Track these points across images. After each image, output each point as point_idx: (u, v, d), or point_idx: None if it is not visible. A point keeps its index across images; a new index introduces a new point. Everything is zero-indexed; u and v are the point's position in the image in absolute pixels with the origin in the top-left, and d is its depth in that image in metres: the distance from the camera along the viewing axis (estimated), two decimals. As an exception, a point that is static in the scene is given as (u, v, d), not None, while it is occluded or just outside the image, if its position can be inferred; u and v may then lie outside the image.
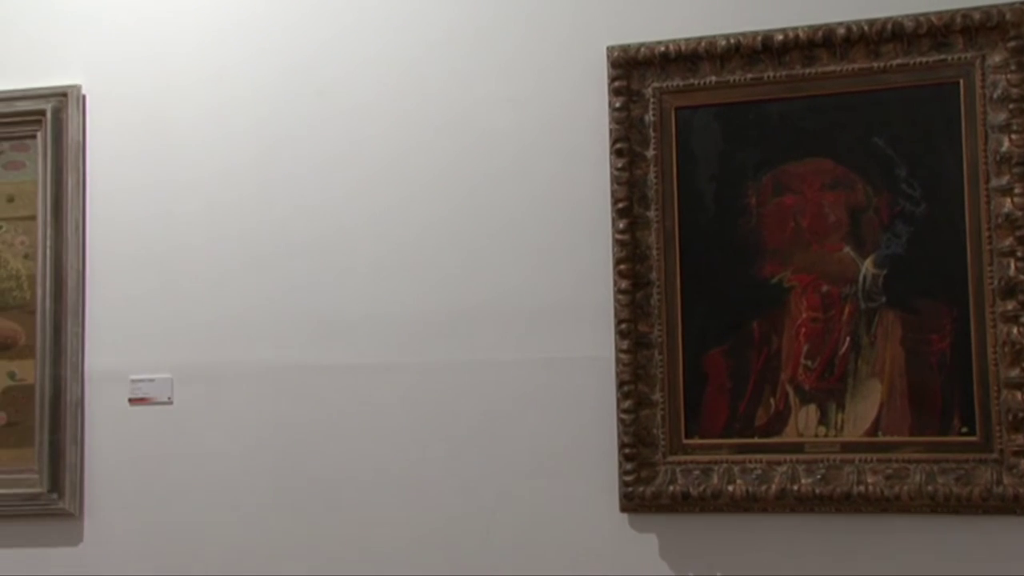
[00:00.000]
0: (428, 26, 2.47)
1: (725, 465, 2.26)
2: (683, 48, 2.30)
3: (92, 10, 2.64)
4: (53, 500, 2.54)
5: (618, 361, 2.31)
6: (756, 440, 2.25)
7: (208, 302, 2.53)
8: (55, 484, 2.55)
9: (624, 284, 2.31)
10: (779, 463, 2.23)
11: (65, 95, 2.60)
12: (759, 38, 2.26)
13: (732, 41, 2.28)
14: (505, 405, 2.39)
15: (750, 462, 2.25)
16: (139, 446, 2.55)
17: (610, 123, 2.34)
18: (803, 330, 2.25)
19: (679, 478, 2.27)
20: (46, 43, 2.66)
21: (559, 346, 2.37)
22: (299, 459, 2.47)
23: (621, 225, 2.32)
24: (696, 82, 2.31)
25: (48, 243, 2.60)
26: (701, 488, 2.25)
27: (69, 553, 2.56)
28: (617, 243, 2.32)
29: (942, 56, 2.20)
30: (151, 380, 2.56)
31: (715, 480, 2.25)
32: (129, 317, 2.57)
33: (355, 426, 2.45)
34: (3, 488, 2.58)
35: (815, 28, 2.24)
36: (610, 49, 2.35)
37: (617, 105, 2.33)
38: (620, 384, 2.30)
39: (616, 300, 2.32)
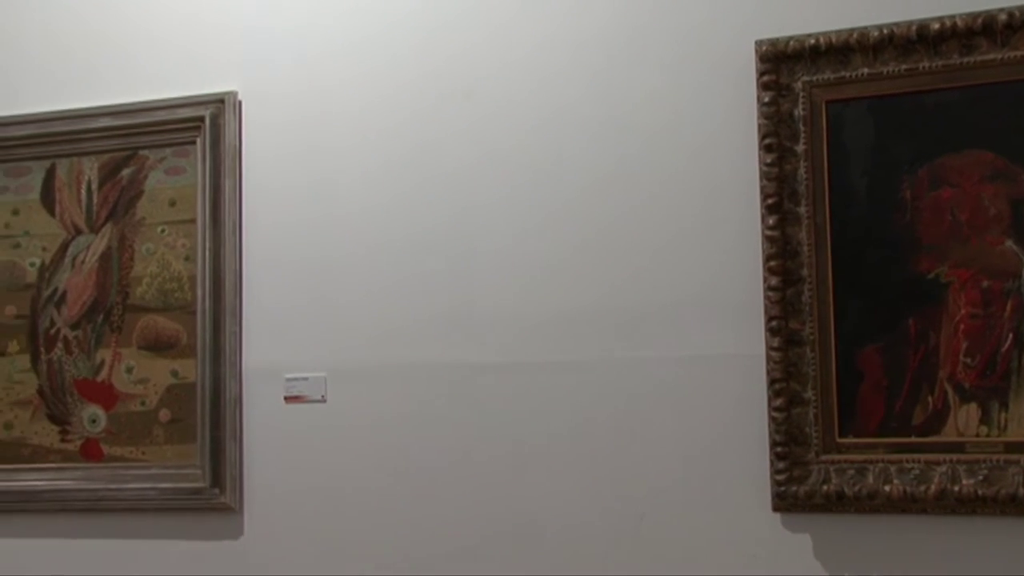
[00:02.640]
0: (575, 25, 2.47)
1: (881, 465, 2.21)
2: (834, 40, 2.26)
3: (246, 20, 2.71)
4: (215, 495, 2.62)
5: (769, 359, 2.28)
6: (913, 439, 2.20)
7: (361, 302, 2.58)
8: (216, 479, 2.62)
9: (774, 281, 2.28)
10: (938, 463, 2.17)
11: (222, 101, 2.67)
12: (914, 28, 2.20)
13: (885, 32, 2.22)
14: (655, 403, 2.38)
15: (907, 462, 2.19)
16: (294, 443, 2.61)
17: (759, 118, 2.31)
18: (962, 326, 2.19)
19: (833, 477, 2.23)
20: (204, 52, 2.73)
21: (709, 344, 2.35)
22: (450, 457, 2.49)
23: (771, 221, 2.28)
24: (848, 75, 2.26)
25: (207, 245, 2.67)
26: (856, 488, 2.20)
27: (230, 546, 2.62)
28: (767, 239, 2.29)
29: (1109, 41, 2.12)
30: (305, 379, 2.61)
31: (871, 480, 2.21)
32: (284, 317, 2.63)
33: (506, 424, 2.46)
34: (168, 483, 2.66)
35: (974, 16, 2.17)
36: (758, 43, 2.32)
37: (766, 100, 2.30)
38: (771, 382, 2.27)
39: (766, 297, 2.29)
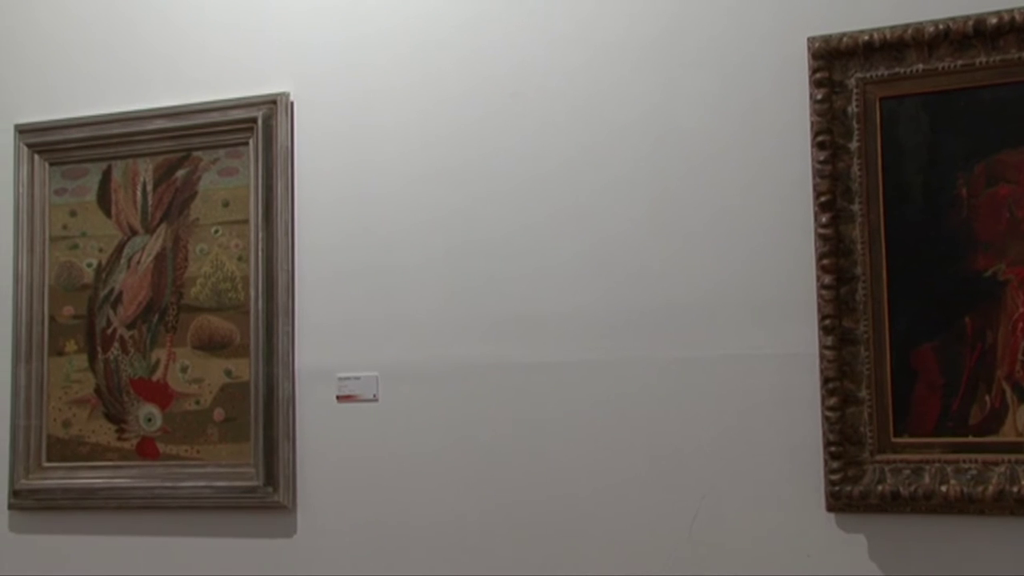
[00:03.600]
0: (624, 22, 2.47)
1: (937, 465, 2.18)
2: (888, 36, 2.24)
3: (299, 23, 2.73)
4: (268, 493, 2.63)
5: (822, 357, 2.26)
6: (971, 439, 2.17)
7: (413, 302, 2.58)
8: (270, 478, 2.63)
9: (828, 279, 2.26)
10: (996, 463, 2.14)
11: (274, 102, 2.69)
12: (970, 22, 2.17)
13: (941, 27, 2.19)
14: (706, 402, 2.37)
15: (964, 462, 2.17)
16: (347, 442, 2.62)
17: (811, 115, 2.29)
18: (1020, 325, 2.16)
19: (888, 477, 2.21)
20: (256, 54, 2.76)
21: (761, 342, 2.34)
22: (502, 456, 2.50)
23: (824, 219, 2.26)
24: (902, 71, 2.24)
25: (260, 245, 2.69)
26: (912, 488, 2.18)
27: (284, 544, 2.64)
28: (820, 237, 2.27)
29: None
30: (358, 378, 2.62)
31: (927, 480, 2.18)
32: (336, 317, 2.64)
33: (557, 424, 2.46)
34: (222, 481, 2.68)
35: (1033, 10, 2.15)
36: (811, 40, 2.30)
37: (819, 97, 2.28)
38: (825, 381, 2.25)
39: (819, 295, 2.27)
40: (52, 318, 2.88)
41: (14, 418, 2.86)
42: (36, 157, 2.90)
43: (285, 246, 2.67)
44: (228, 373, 2.72)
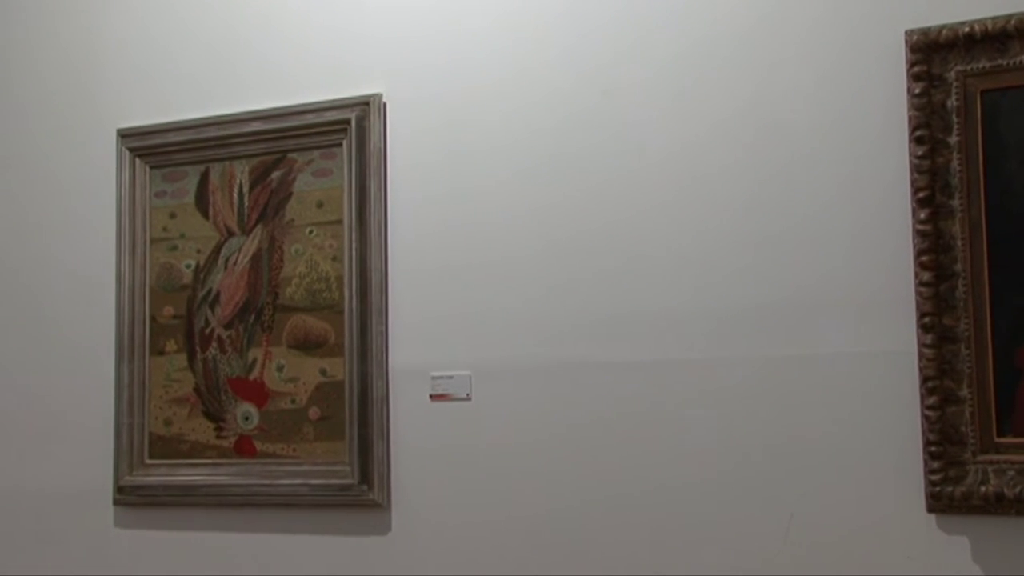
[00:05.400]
0: (720, 16, 2.45)
1: (1044, 466, 2.14)
2: (989, 28, 2.19)
3: (391, 24, 2.75)
4: (363, 491, 2.66)
5: (921, 356, 2.22)
6: (1079, 440, 2.13)
7: (505, 301, 2.59)
8: (364, 476, 2.66)
9: (926, 276, 2.22)
10: (1105, 464, 2.09)
11: (367, 104, 2.71)
12: (1077, 11, 2.13)
13: (1045, 17, 2.15)
14: (802, 401, 2.34)
15: (1072, 463, 2.12)
16: (440, 441, 2.63)
17: (909, 110, 2.25)
18: None
19: (992, 478, 2.16)
20: (349, 56, 2.78)
21: (858, 340, 2.30)
22: (596, 455, 2.49)
23: (923, 215, 2.22)
24: (1005, 63, 2.19)
25: (353, 246, 2.71)
26: (1017, 489, 2.13)
27: (379, 542, 2.66)
28: (918, 234, 2.23)
29: None
30: (450, 377, 2.64)
31: (1033, 482, 2.14)
32: (429, 316, 2.66)
33: (651, 423, 2.45)
34: (318, 479, 2.71)
35: None
36: (908, 33, 2.26)
37: (917, 91, 2.24)
38: (924, 380, 2.21)
39: (918, 293, 2.23)
40: (153, 318, 2.94)
41: (118, 416, 2.93)
42: (137, 161, 2.96)
43: (378, 246, 2.69)
44: (323, 372, 2.75)
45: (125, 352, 2.93)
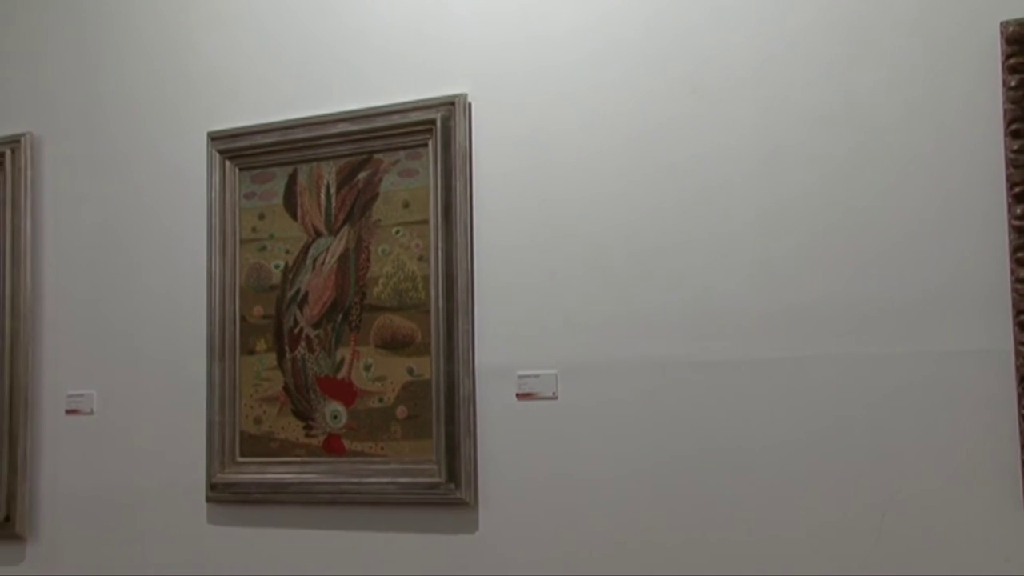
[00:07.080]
0: (811, 11, 2.42)
1: None
2: (1091, 17, 2.15)
3: (476, 23, 2.76)
4: (451, 490, 2.67)
5: (1018, 354, 2.18)
6: None
7: (591, 300, 2.58)
8: (452, 474, 2.67)
9: (1022, 273, 2.17)
10: None
11: (452, 104, 2.73)
12: None
13: None
14: (895, 400, 2.30)
15: None
16: (526, 440, 2.64)
17: (1004, 103, 2.21)
18: None
19: (1091, 479, 2.12)
20: (434, 57, 2.80)
21: (952, 339, 2.26)
22: (683, 453, 2.48)
23: (1018, 211, 2.18)
24: (1105, 53, 2.14)
25: (440, 245, 2.72)
26: (1118, 491, 2.08)
27: (467, 540, 2.68)
28: (1014, 229, 2.19)
29: None
30: (537, 376, 2.64)
31: None
32: (516, 315, 2.66)
33: (741, 421, 2.43)
34: (406, 477, 2.73)
35: None
36: (1004, 24, 2.22)
37: (1013, 84, 2.20)
38: (1021, 379, 2.17)
39: (1014, 290, 2.19)
40: (243, 318, 2.98)
41: (210, 414, 2.98)
42: (227, 163, 3.01)
43: (464, 246, 2.70)
44: (410, 371, 2.77)
45: (216, 351, 2.98)
